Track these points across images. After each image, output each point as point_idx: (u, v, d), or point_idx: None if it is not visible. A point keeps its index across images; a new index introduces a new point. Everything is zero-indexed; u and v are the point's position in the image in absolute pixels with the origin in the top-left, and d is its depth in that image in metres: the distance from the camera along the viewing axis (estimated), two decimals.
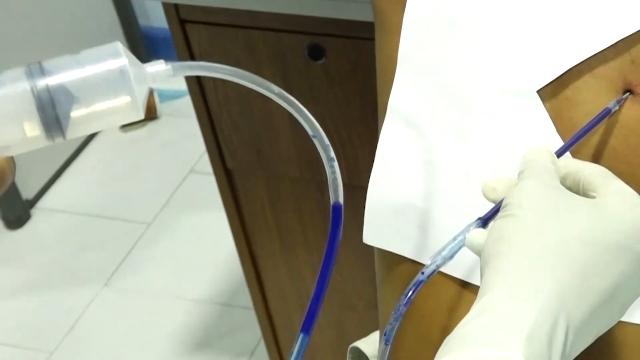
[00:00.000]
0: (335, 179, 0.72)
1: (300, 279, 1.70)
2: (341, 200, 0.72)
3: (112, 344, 2.28)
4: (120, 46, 0.67)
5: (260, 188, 1.61)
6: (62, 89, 0.65)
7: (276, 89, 0.69)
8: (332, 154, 0.71)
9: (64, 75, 0.65)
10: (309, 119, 0.70)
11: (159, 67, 0.68)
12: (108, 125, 0.67)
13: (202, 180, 2.63)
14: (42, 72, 0.65)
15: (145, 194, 2.63)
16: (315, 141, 0.71)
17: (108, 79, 0.65)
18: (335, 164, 0.72)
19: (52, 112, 0.65)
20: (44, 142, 0.66)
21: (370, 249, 0.95)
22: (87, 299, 2.39)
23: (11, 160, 0.67)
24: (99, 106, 0.66)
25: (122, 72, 0.66)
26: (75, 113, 0.65)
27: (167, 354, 2.23)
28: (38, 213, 2.64)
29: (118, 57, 0.66)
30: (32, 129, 0.65)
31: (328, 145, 0.71)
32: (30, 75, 0.65)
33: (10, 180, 0.68)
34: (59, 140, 0.66)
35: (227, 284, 2.36)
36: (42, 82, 0.64)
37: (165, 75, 0.68)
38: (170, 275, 2.41)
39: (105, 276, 2.43)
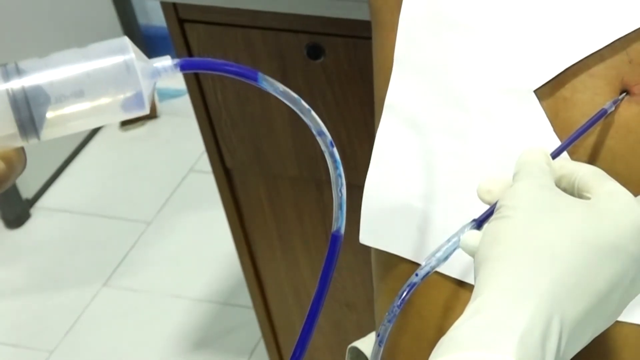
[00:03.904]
0: (340, 204, 0.72)
1: (300, 278, 1.70)
2: (342, 230, 0.73)
3: (111, 344, 2.28)
4: (127, 41, 0.66)
5: (259, 187, 1.61)
6: (38, 90, 0.64)
7: (281, 86, 0.69)
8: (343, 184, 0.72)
9: (41, 75, 0.65)
10: (314, 118, 0.70)
11: (165, 62, 0.67)
12: (112, 120, 0.67)
13: (201, 180, 2.63)
14: (18, 72, 0.64)
15: (145, 194, 2.63)
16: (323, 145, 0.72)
17: (114, 73, 0.65)
18: (344, 189, 0.72)
19: (27, 113, 0.64)
20: (19, 142, 0.66)
21: (369, 248, 0.95)
22: (87, 298, 2.39)
23: (21, 151, 0.67)
24: (104, 100, 0.66)
25: (128, 66, 0.65)
26: (72, 109, 0.65)
27: (167, 353, 2.23)
28: (38, 212, 2.64)
29: (125, 52, 0.66)
30: (7, 128, 0.65)
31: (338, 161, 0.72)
32: (6, 75, 0.64)
33: (19, 171, 0.68)
34: (33, 141, 0.66)
35: (227, 283, 2.36)
36: (18, 83, 0.64)
37: (172, 70, 0.68)
38: (170, 275, 2.41)
39: (105, 276, 2.43)
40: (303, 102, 0.69)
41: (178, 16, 1.47)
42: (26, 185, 2.62)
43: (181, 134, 2.78)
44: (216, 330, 2.26)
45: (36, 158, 2.68)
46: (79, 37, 2.71)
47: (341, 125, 1.46)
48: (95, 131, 2.85)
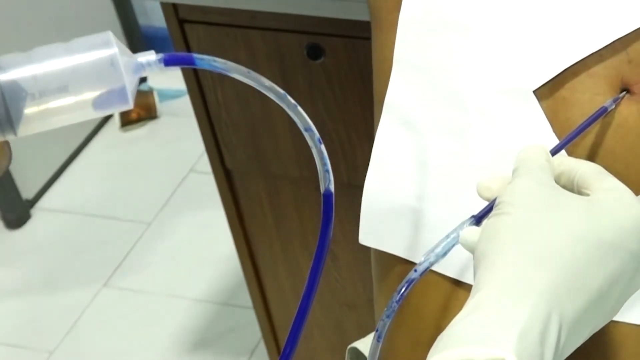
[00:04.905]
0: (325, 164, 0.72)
1: (300, 278, 1.70)
2: (332, 188, 0.73)
3: (112, 344, 2.28)
4: (111, 35, 0.66)
5: (259, 187, 1.61)
6: (15, 85, 0.64)
7: (266, 82, 0.69)
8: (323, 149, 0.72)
9: (21, 70, 0.65)
10: (301, 114, 0.70)
11: (149, 57, 0.67)
12: (95, 115, 0.67)
13: (202, 180, 2.63)
14: None
15: (145, 194, 2.63)
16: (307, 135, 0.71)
17: (98, 68, 0.65)
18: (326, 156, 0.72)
19: (2, 108, 0.64)
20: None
21: (369, 248, 0.95)
22: (87, 299, 2.39)
23: (5, 146, 0.67)
24: (88, 95, 0.65)
25: (112, 61, 0.65)
26: (54, 104, 0.65)
27: (167, 354, 2.23)
28: (38, 213, 2.64)
29: (109, 46, 0.66)
30: None
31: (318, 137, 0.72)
32: None
33: (4, 165, 0.67)
34: (10, 136, 0.65)
35: (227, 283, 2.36)
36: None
37: (156, 65, 0.67)
38: (170, 275, 2.41)
39: (105, 276, 2.44)
40: (289, 98, 0.69)
41: (178, 17, 1.47)
42: (26, 186, 2.62)
43: (181, 135, 2.78)
44: (216, 331, 2.26)
45: (36, 159, 2.68)
46: (78, 37, 2.70)
47: (341, 125, 1.46)
48: (95, 132, 2.85)
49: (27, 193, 2.62)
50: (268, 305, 1.77)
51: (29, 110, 0.64)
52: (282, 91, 0.69)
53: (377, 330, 0.76)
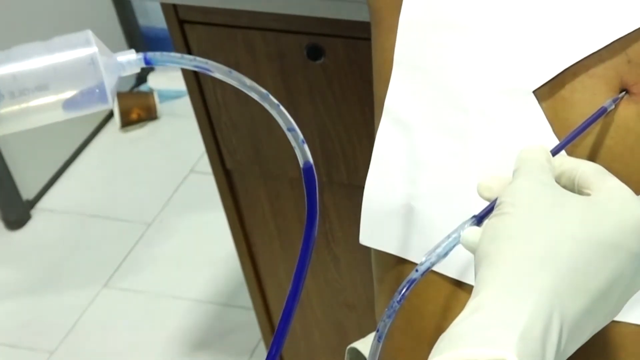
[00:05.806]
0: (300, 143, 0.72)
1: None
2: (310, 160, 0.73)
3: (112, 345, 2.28)
4: (90, 34, 0.66)
5: (259, 188, 1.61)
6: None
7: (248, 81, 0.69)
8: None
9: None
10: (283, 113, 0.71)
11: (129, 56, 0.67)
12: (73, 115, 0.67)
13: (202, 180, 2.63)
14: None
15: (145, 194, 2.64)
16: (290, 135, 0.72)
17: (78, 67, 0.65)
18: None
19: None
20: None
21: (369, 249, 0.95)
22: (87, 299, 2.39)
23: None
24: (67, 94, 0.65)
25: (92, 60, 0.65)
26: (34, 103, 0.64)
27: (167, 354, 2.23)
28: (38, 213, 2.64)
29: (88, 45, 0.65)
30: None
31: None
32: None
33: None
34: None
35: (227, 284, 2.36)
36: None
37: (136, 64, 0.67)
38: (170, 275, 2.41)
39: (105, 276, 2.44)
40: (272, 97, 0.69)
41: (178, 17, 1.47)
42: (27, 187, 2.62)
43: (181, 135, 2.78)
44: (216, 331, 2.26)
45: (36, 159, 2.68)
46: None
47: (341, 125, 1.46)
48: (95, 132, 2.85)
49: (27, 193, 2.62)
50: (268, 305, 1.77)
51: (7, 109, 0.64)
52: (264, 91, 0.69)
53: (377, 331, 0.76)
